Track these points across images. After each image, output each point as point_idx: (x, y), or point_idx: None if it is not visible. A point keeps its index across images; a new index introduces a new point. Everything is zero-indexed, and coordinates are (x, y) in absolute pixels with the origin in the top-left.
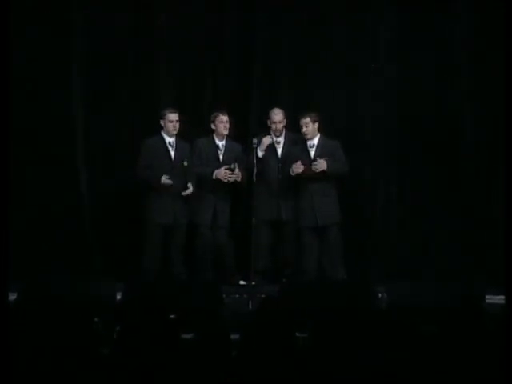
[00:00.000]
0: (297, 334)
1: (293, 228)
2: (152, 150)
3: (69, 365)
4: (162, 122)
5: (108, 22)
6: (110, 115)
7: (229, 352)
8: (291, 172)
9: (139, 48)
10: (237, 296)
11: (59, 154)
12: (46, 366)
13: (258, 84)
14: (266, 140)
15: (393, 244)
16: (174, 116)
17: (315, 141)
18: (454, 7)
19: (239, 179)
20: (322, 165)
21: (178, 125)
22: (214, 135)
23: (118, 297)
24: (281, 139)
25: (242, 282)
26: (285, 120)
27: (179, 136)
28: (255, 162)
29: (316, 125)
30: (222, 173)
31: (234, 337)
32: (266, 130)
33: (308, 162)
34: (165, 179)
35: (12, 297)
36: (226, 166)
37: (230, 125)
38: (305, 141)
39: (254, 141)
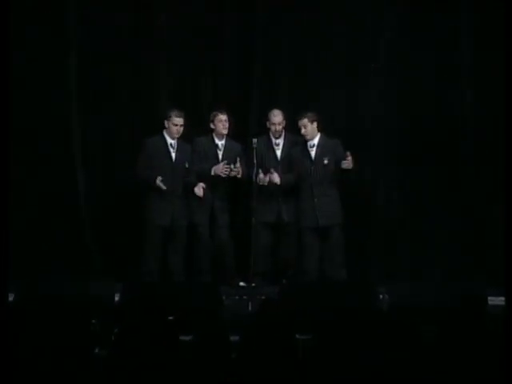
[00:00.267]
0: (297, 336)
1: (294, 229)
2: (153, 150)
3: (66, 366)
4: (166, 123)
5: (108, 22)
6: (109, 115)
7: (228, 354)
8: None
9: (139, 48)
10: (236, 297)
11: (59, 154)
12: (43, 367)
13: (257, 84)
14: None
15: (393, 244)
16: (179, 120)
17: (315, 141)
18: (454, 7)
19: (239, 175)
20: (276, 178)
21: (181, 129)
22: (214, 134)
23: (117, 298)
24: (280, 141)
25: (241, 284)
26: (284, 121)
27: (181, 137)
28: (255, 162)
29: (315, 124)
30: (220, 167)
31: (233, 338)
32: (266, 131)
33: (308, 163)
34: (159, 182)
35: (10, 297)
36: (225, 162)
37: (229, 124)
38: (305, 141)
39: (254, 140)
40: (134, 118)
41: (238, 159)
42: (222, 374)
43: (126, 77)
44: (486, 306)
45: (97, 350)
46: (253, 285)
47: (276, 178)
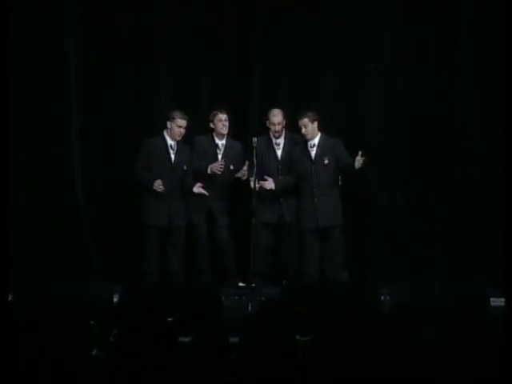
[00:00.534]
0: (297, 337)
1: (294, 229)
2: (152, 151)
3: (65, 367)
4: (168, 124)
5: (108, 22)
6: (109, 115)
7: (228, 355)
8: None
9: (139, 48)
10: (236, 298)
11: (59, 154)
12: (42, 368)
13: (257, 84)
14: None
15: (393, 244)
16: (183, 122)
17: (315, 141)
18: (454, 7)
19: (244, 178)
20: (269, 184)
21: (183, 131)
22: (214, 134)
23: (116, 299)
24: (280, 140)
25: (241, 284)
26: (284, 121)
27: (181, 139)
28: (255, 161)
29: (315, 124)
30: (216, 165)
31: (233, 340)
32: (266, 131)
33: (308, 163)
34: (157, 185)
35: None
36: (223, 160)
37: (229, 124)
38: (305, 141)
39: (254, 140)
40: (133, 117)
41: (247, 162)
42: (221, 375)
43: (126, 77)
44: (488, 307)
45: (95, 352)
46: (252, 285)
47: (270, 185)
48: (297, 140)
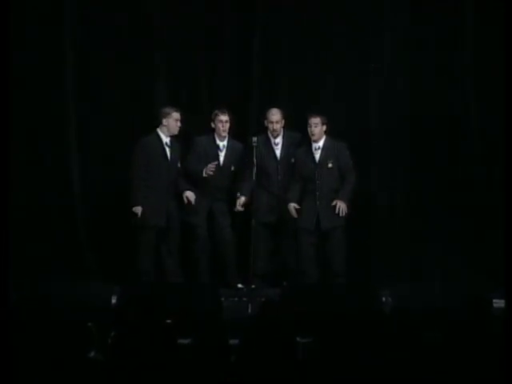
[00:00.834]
0: (297, 339)
1: (294, 230)
2: (148, 149)
3: (63, 368)
4: (164, 121)
5: (108, 22)
6: (109, 115)
7: (227, 357)
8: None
9: (139, 48)
10: (236, 299)
11: (59, 154)
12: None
13: (257, 84)
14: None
15: (393, 244)
16: (178, 115)
17: (320, 143)
18: (455, 7)
19: (241, 209)
20: (343, 210)
21: (180, 125)
22: (215, 134)
23: (114, 300)
24: (279, 140)
25: (240, 286)
26: (283, 121)
27: (174, 136)
28: (255, 161)
29: (324, 127)
30: (209, 167)
31: (232, 342)
32: (264, 131)
33: (312, 165)
34: (135, 209)
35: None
36: (215, 163)
37: (230, 125)
38: (309, 142)
39: (254, 139)
40: (133, 117)
41: (241, 197)
42: (220, 378)
43: (126, 77)
44: (491, 308)
45: (92, 354)
46: (252, 286)
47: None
48: (295, 138)
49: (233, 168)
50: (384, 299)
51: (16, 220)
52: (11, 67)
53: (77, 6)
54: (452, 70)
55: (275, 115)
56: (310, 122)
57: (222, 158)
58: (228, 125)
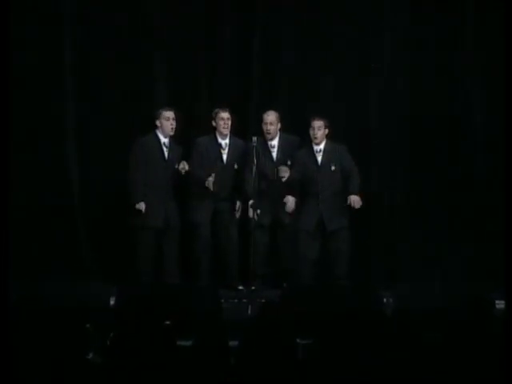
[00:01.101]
0: (298, 341)
1: (294, 231)
2: (146, 148)
3: (61, 371)
4: (157, 122)
5: (107, 22)
6: (108, 115)
7: (227, 359)
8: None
9: (139, 48)
10: (236, 301)
11: (59, 154)
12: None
13: (257, 84)
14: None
15: (393, 244)
16: (169, 113)
17: (322, 146)
18: (455, 7)
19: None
20: (357, 202)
21: (174, 123)
22: (217, 133)
23: (112, 301)
24: (275, 142)
25: (240, 288)
26: (279, 123)
27: (174, 137)
28: (255, 161)
29: (326, 131)
30: (210, 180)
31: (232, 343)
32: (262, 133)
33: (314, 168)
34: (138, 206)
35: None
36: (214, 175)
37: (231, 122)
38: (310, 144)
39: (254, 139)
40: (133, 118)
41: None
42: (220, 379)
43: (126, 77)
44: (493, 309)
45: (91, 355)
46: (252, 288)
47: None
48: (292, 141)
49: (236, 166)
50: (385, 300)
51: (16, 220)
52: (11, 67)
53: (77, 6)
54: (452, 70)
55: (269, 116)
56: (312, 124)
57: (225, 157)
58: (230, 122)
